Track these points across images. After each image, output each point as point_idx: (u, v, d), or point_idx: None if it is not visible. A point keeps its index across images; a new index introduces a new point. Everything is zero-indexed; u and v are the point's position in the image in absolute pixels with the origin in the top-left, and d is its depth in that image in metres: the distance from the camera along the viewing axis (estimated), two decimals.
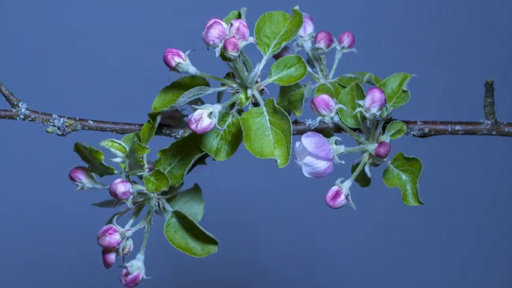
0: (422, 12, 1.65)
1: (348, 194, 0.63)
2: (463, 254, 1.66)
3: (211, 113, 0.61)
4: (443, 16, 1.66)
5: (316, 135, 0.62)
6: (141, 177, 0.64)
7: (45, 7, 1.49)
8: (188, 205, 0.69)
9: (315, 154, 0.61)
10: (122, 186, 0.61)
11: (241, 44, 0.61)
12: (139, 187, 0.63)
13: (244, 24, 0.61)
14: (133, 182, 0.64)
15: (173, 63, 0.62)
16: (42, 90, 1.42)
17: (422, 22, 1.65)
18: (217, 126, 0.62)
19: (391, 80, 0.66)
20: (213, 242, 0.65)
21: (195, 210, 0.69)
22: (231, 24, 0.61)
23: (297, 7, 0.65)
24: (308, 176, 0.62)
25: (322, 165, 0.61)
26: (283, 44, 0.63)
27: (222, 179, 1.40)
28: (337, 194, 0.63)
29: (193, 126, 0.61)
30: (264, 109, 0.62)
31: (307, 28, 0.71)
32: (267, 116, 0.62)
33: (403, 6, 1.63)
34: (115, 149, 0.63)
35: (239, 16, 0.65)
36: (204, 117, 0.61)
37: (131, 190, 0.62)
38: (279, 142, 0.61)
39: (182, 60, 0.62)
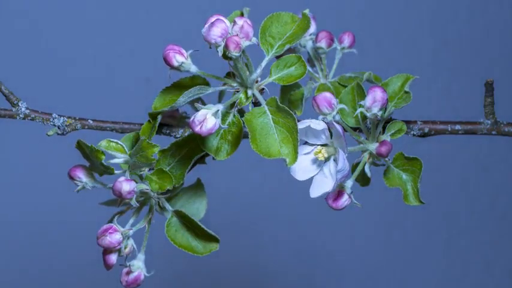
0: (422, 12, 1.65)
1: (351, 193, 0.63)
2: (463, 254, 1.66)
3: (215, 112, 0.60)
4: (443, 16, 1.66)
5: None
6: (141, 176, 0.64)
7: (44, 7, 1.49)
8: (191, 201, 0.69)
9: (344, 138, 0.60)
10: (127, 185, 0.61)
11: (244, 43, 0.60)
12: (143, 186, 0.63)
13: (249, 23, 0.60)
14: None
15: (175, 63, 0.61)
16: (42, 89, 1.42)
17: (422, 22, 1.65)
18: (221, 125, 0.61)
19: (393, 80, 0.66)
20: (214, 239, 0.65)
21: (197, 206, 0.69)
22: (235, 22, 0.60)
23: (306, 10, 0.64)
24: (341, 182, 0.61)
25: (346, 164, 0.60)
26: (287, 47, 0.63)
27: (222, 178, 1.40)
28: (339, 195, 0.63)
29: (197, 129, 0.60)
30: (266, 108, 0.62)
31: (310, 27, 0.71)
32: (270, 115, 0.61)
33: (403, 6, 1.63)
34: (113, 149, 0.63)
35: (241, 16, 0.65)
36: (208, 118, 0.60)
37: (136, 189, 0.62)
38: (285, 140, 0.60)
39: (184, 59, 0.62)
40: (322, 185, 0.62)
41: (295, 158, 0.60)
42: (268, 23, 0.63)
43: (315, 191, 0.62)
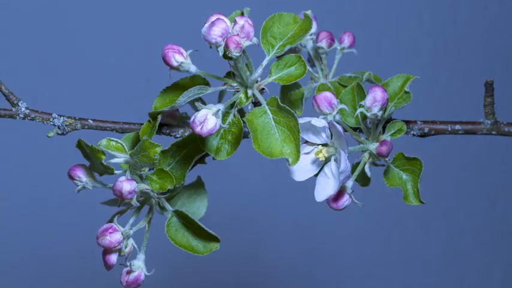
0: (422, 12, 1.65)
1: (352, 193, 0.63)
2: (463, 254, 1.66)
3: (215, 112, 0.60)
4: (443, 16, 1.66)
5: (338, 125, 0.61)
6: (140, 176, 0.64)
7: (44, 7, 1.49)
8: (191, 200, 0.69)
9: (345, 137, 0.60)
10: (127, 185, 0.61)
11: (245, 43, 0.59)
12: (144, 186, 0.63)
13: (250, 22, 0.60)
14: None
15: (174, 63, 0.61)
16: (42, 89, 1.42)
17: (422, 22, 1.65)
18: (222, 125, 0.61)
19: (394, 80, 0.66)
20: (215, 239, 0.65)
21: (198, 205, 0.69)
22: (235, 22, 0.60)
23: (309, 12, 0.64)
24: (343, 183, 0.61)
25: (348, 164, 0.60)
26: (288, 47, 0.63)
27: (222, 177, 1.40)
28: (339, 195, 0.63)
29: (198, 129, 0.59)
30: (267, 108, 0.61)
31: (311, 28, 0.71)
32: (271, 115, 0.61)
33: (403, 6, 1.63)
34: (113, 148, 0.63)
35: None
36: (209, 118, 0.59)
37: (136, 189, 0.62)
38: (287, 140, 0.60)
39: (184, 59, 0.61)
40: (326, 187, 0.62)
41: (297, 157, 0.60)
42: (269, 23, 0.63)
43: (320, 195, 0.62)
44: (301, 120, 0.60)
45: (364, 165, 0.65)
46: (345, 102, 0.65)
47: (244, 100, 0.63)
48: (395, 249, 1.63)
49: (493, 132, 0.69)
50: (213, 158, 0.64)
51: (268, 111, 0.61)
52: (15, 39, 1.48)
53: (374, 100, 0.62)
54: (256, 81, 0.63)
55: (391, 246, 1.63)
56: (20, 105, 0.65)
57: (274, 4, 1.12)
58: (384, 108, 0.62)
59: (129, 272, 0.64)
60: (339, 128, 0.60)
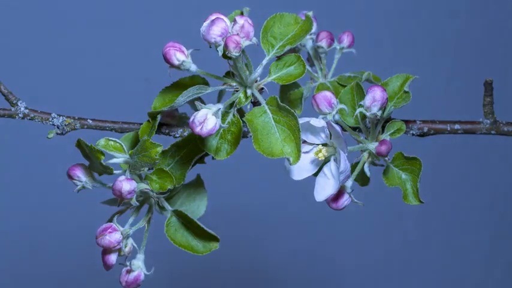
0: (422, 12, 1.65)
1: (351, 192, 0.63)
2: (463, 253, 1.66)
3: (215, 112, 0.60)
4: (443, 16, 1.66)
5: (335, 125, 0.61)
6: (140, 176, 0.64)
7: (44, 6, 1.49)
8: (191, 199, 0.69)
9: (343, 137, 0.60)
10: (127, 185, 0.61)
11: (244, 43, 0.59)
12: (143, 186, 0.63)
13: (250, 22, 0.60)
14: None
15: (175, 62, 0.61)
16: (41, 89, 1.42)
17: (422, 22, 1.65)
18: (222, 125, 0.61)
19: (393, 80, 0.66)
20: (214, 239, 0.65)
21: (197, 204, 0.69)
22: (235, 21, 0.60)
23: (310, 13, 0.64)
24: (343, 183, 0.61)
25: (348, 164, 0.60)
26: (287, 48, 0.63)
27: (222, 177, 1.40)
28: (339, 195, 0.63)
29: (197, 130, 0.59)
30: (266, 107, 0.61)
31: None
32: (271, 114, 0.61)
33: (403, 6, 1.63)
34: (112, 148, 0.63)
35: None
36: (208, 118, 0.59)
37: (136, 189, 0.61)
38: (287, 139, 0.60)
39: (185, 58, 0.61)
40: (326, 187, 0.62)
41: (298, 157, 0.60)
42: (270, 23, 0.63)
43: (320, 195, 0.62)
44: (300, 121, 0.60)
45: (364, 164, 0.65)
46: (344, 101, 0.65)
47: (244, 100, 0.63)
48: (395, 248, 1.63)
49: (492, 132, 0.69)
50: (213, 158, 0.64)
51: (268, 111, 0.61)
52: (14, 39, 1.48)
53: (373, 100, 0.62)
54: (256, 81, 0.63)
55: (390, 246, 1.63)
56: (19, 104, 0.65)
57: (274, 4, 1.12)
58: (383, 107, 0.62)
59: (128, 272, 0.64)
60: (337, 128, 0.60)
